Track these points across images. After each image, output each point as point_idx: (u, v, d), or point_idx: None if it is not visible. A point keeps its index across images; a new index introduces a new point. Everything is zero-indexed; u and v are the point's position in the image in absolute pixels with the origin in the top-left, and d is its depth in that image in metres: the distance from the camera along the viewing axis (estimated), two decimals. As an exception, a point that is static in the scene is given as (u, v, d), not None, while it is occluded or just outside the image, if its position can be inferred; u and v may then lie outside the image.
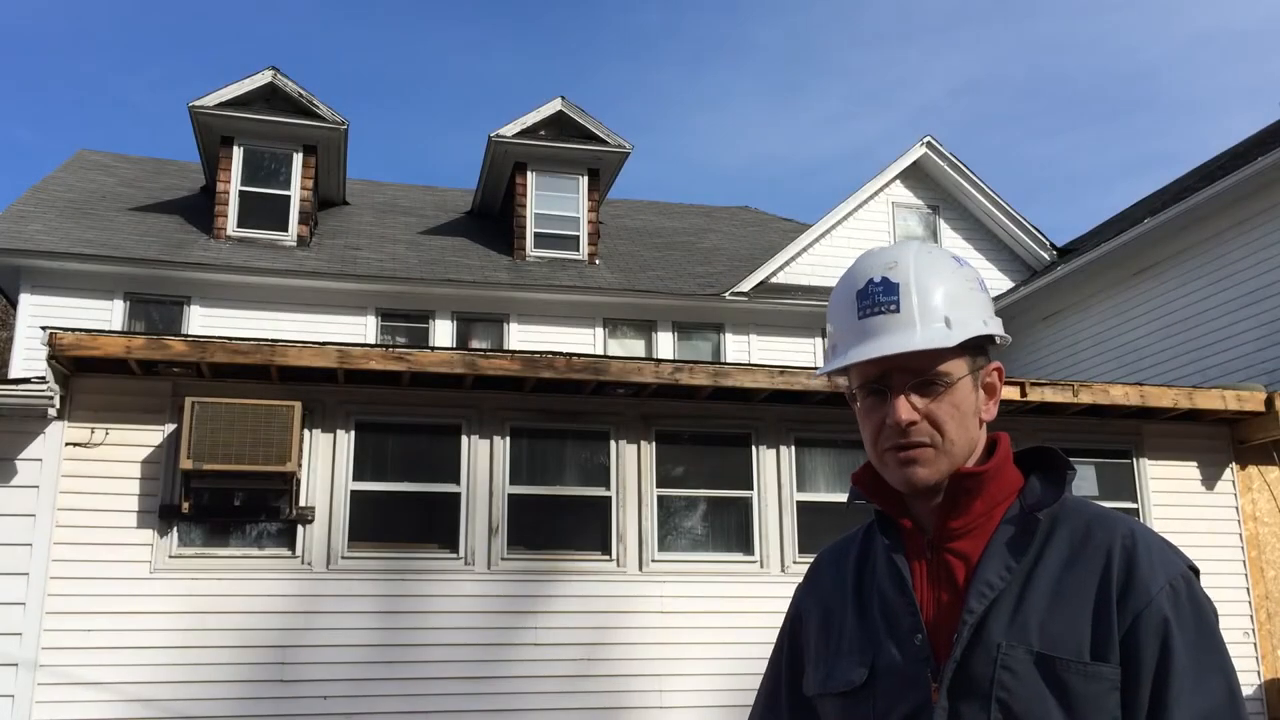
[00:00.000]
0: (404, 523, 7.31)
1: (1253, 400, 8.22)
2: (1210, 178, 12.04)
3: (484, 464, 7.32)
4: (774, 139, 67.97)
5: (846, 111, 68.22)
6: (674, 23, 64.58)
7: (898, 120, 68.09)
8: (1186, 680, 1.24)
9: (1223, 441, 8.59)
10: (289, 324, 12.25)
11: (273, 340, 6.91)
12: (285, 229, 13.71)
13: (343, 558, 6.99)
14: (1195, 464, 8.52)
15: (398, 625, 6.97)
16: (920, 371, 1.35)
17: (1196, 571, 1.32)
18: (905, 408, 1.34)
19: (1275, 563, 8.46)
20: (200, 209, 14.29)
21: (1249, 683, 8.07)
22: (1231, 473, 8.55)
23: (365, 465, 7.22)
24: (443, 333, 13.32)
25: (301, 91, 13.72)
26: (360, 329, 13.04)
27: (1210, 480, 8.53)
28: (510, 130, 14.48)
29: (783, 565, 7.63)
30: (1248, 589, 8.33)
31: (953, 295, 1.38)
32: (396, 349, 7.12)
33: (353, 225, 15.10)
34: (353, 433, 7.20)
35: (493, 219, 15.82)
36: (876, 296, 1.37)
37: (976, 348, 1.41)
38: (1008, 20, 59.80)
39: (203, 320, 12.43)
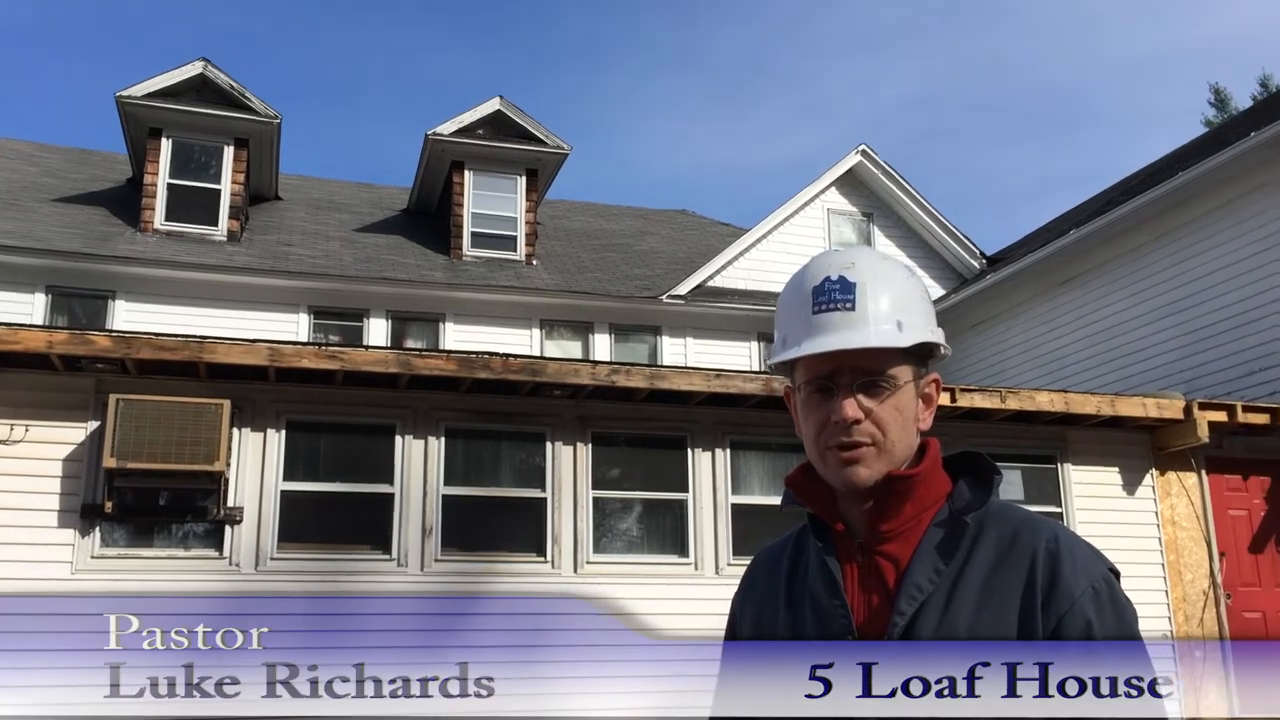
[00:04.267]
0: (336, 523, 7.22)
1: (1172, 408, 8.46)
2: (1131, 192, 12.39)
3: (418, 464, 7.25)
4: (721, 146, 68.23)
5: (793, 121, 68.76)
6: (624, 29, 64.65)
7: (844, 131, 68.98)
8: None
9: (1143, 448, 8.83)
10: (218, 320, 11.98)
11: (201, 337, 6.79)
12: (215, 223, 13.44)
13: (271, 559, 6.88)
14: (1117, 469, 8.75)
15: (328, 628, 6.88)
16: (869, 371, 1.39)
17: (1117, 574, 1.36)
18: (852, 405, 1.38)
19: (1193, 566, 8.71)
20: (127, 201, 13.94)
21: (1165, 682, 8.30)
22: (1151, 478, 8.79)
23: (296, 465, 7.11)
24: (377, 332, 13.16)
25: (233, 83, 13.47)
26: (292, 327, 12.82)
27: (1131, 485, 8.76)
28: (448, 129, 14.37)
29: (717, 567, 7.68)
30: (1166, 591, 8.57)
31: (906, 301, 1.42)
32: (329, 347, 7.04)
33: (285, 221, 14.85)
34: (284, 432, 7.09)
35: (429, 218, 15.69)
36: (833, 294, 1.40)
37: (920, 357, 1.44)
38: (953, 35, 60.89)
39: (128, 315, 12.13)
